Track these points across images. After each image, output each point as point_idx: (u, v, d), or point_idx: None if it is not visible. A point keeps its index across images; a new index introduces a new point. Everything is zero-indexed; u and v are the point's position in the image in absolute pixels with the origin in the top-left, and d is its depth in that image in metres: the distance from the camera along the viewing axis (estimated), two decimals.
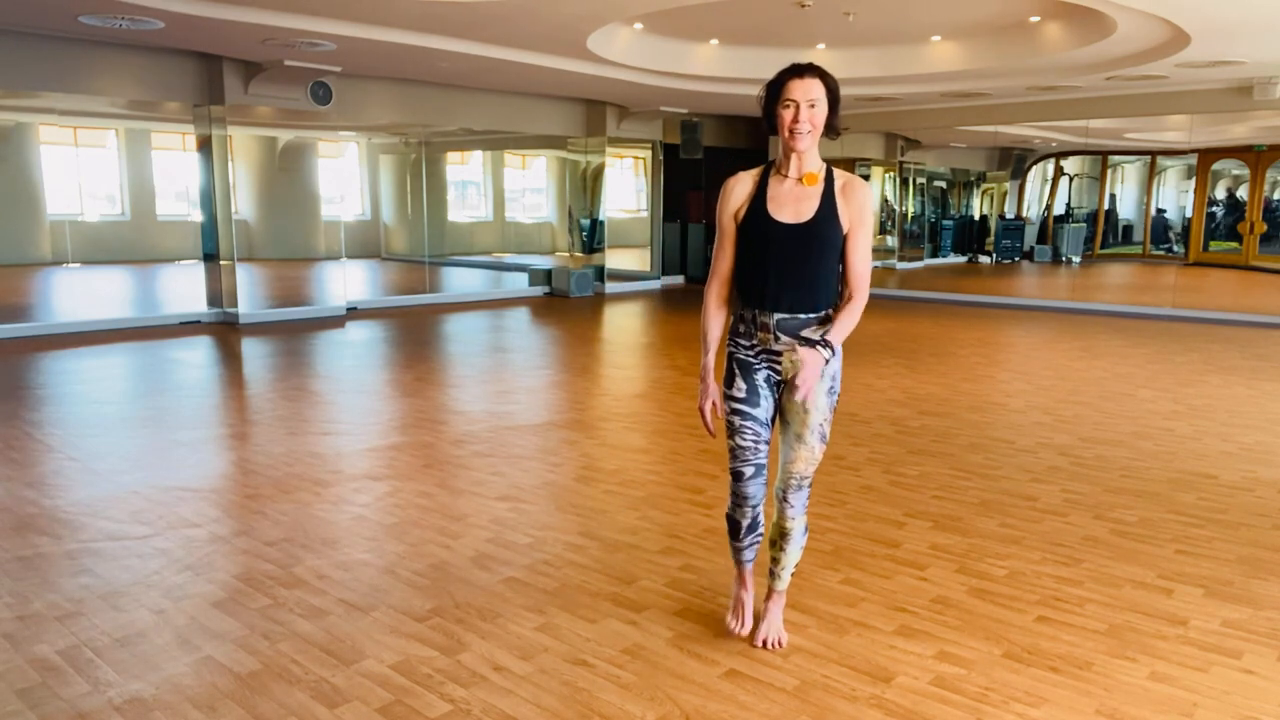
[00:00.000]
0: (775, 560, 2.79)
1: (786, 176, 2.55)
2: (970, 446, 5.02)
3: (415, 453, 4.83)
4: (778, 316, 2.55)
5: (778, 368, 2.60)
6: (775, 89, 2.50)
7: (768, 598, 2.83)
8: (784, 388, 2.62)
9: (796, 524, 2.72)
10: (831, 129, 2.54)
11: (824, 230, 2.51)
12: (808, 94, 2.45)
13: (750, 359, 2.63)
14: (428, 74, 10.23)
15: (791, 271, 2.51)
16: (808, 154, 2.52)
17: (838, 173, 2.58)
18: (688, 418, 5.63)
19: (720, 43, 9.59)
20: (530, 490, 4.24)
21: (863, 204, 2.53)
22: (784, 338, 2.56)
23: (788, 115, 2.47)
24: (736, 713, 2.40)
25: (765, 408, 2.63)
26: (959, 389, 6.52)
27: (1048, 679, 2.57)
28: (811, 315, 2.55)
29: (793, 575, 2.86)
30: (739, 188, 2.61)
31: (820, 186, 2.53)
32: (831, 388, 2.61)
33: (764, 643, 2.75)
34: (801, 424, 2.61)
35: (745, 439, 2.62)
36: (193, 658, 2.67)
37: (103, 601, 3.03)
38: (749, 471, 2.65)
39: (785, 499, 2.70)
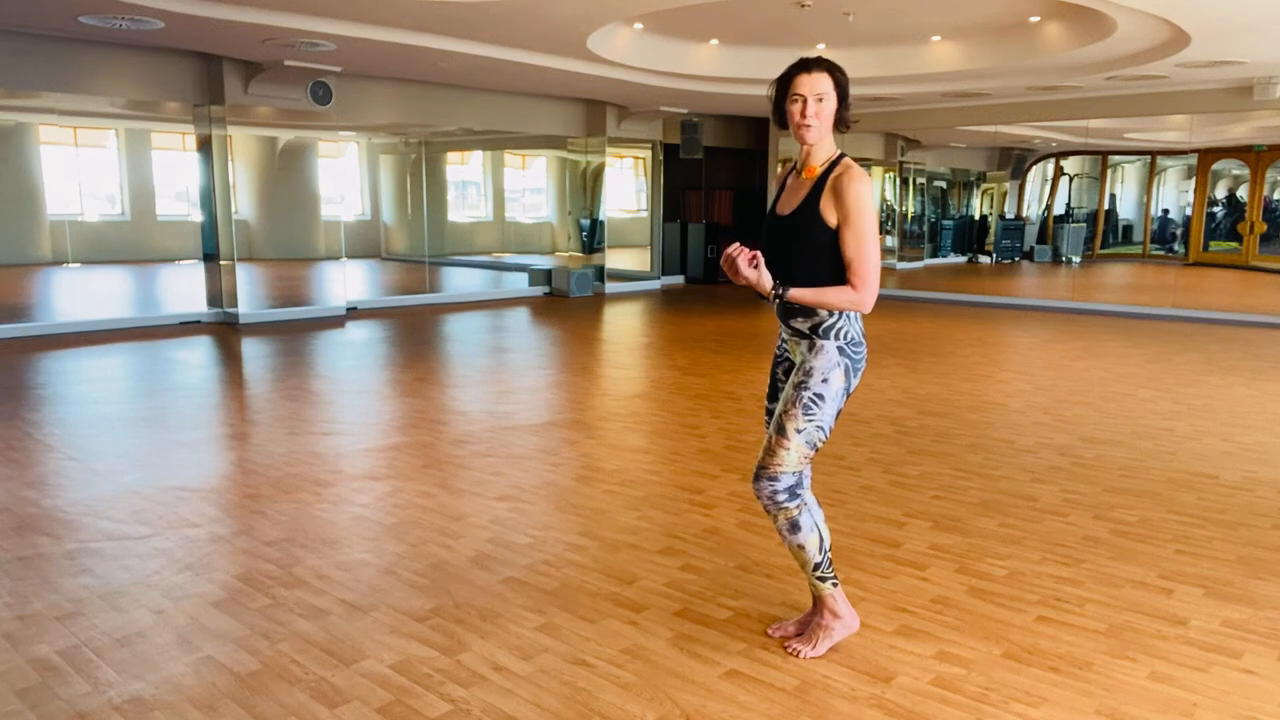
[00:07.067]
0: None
1: (799, 171, 2.60)
2: (970, 446, 5.02)
3: (415, 453, 4.83)
4: (777, 306, 2.61)
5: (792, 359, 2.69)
6: (783, 84, 2.52)
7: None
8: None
9: (776, 520, 2.62)
10: (841, 122, 2.55)
11: (801, 222, 2.52)
12: (814, 88, 2.47)
13: (777, 353, 2.77)
14: (428, 74, 10.23)
15: (777, 265, 2.52)
16: (817, 148, 2.54)
17: (841, 165, 2.52)
18: (688, 418, 5.63)
19: (720, 43, 9.59)
20: (530, 490, 4.24)
21: (848, 197, 2.44)
22: (783, 326, 2.66)
23: (795, 110, 2.49)
24: (736, 713, 2.40)
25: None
26: (959, 389, 6.52)
27: (1048, 679, 2.57)
28: (797, 308, 2.56)
29: (817, 582, 2.69)
30: (777, 182, 2.73)
31: (815, 180, 2.54)
32: (802, 383, 2.54)
33: (786, 644, 2.73)
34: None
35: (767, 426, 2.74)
36: (193, 658, 2.67)
37: (103, 601, 3.03)
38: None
39: (754, 479, 2.62)
